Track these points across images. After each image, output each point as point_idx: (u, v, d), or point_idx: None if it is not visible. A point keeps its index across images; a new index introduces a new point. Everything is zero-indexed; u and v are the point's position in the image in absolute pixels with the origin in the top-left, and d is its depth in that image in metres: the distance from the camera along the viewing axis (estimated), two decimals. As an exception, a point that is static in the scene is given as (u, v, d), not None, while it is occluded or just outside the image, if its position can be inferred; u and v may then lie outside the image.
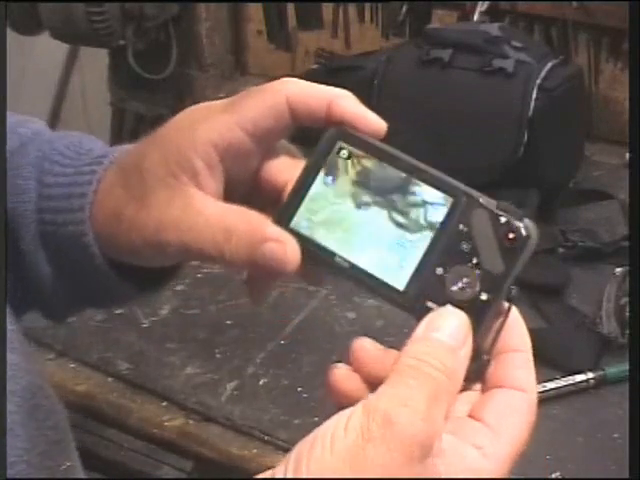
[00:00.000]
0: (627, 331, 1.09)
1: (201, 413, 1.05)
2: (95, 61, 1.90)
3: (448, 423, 0.47)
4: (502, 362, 0.50)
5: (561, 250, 1.25)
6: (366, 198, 0.52)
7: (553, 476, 0.96)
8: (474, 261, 0.49)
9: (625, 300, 1.12)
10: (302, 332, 1.16)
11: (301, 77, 1.67)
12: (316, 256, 0.53)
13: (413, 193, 0.51)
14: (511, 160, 1.30)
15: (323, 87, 0.56)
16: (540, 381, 1.04)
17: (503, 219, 0.48)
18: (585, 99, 1.48)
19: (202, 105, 0.58)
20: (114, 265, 0.61)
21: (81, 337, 1.17)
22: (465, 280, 0.49)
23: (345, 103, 0.54)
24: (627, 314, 1.10)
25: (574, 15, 1.50)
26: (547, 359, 1.08)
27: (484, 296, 0.48)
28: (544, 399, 1.03)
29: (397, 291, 0.50)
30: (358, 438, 0.44)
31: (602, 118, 1.55)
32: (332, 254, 0.52)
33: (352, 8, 1.70)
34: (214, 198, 0.56)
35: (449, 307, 0.49)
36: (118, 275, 0.61)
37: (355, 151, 0.53)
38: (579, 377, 1.06)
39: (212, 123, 0.56)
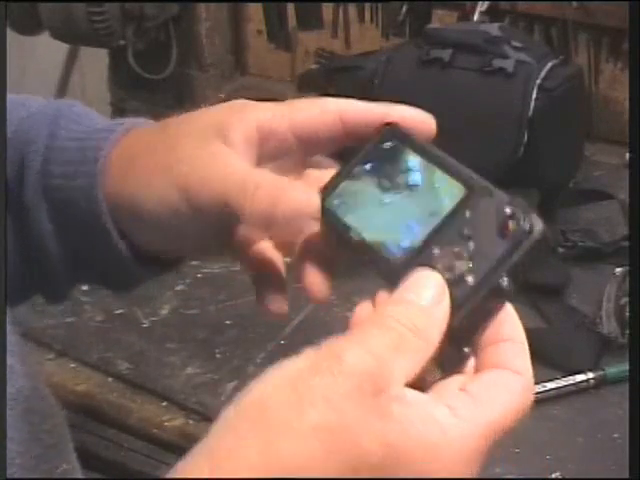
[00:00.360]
0: (627, 331, 1.09)
1: (201, 413, 1.05)
2: (95, 61, 1.90)
3: (430, 391, 0.46)
4: (496, 349, 0.48)
5: (561, 250, 1.25)
6: (388, 184, 0.54)
7: (553, 476, 0.96)
8: (470, 246, 0.49)
9: (625, 300, 1.12)
10: (302, 332, 1.16)
11: (301, 77, 1.66)
12: (335, 229, 0.55)
13: (433, 182, 0.52)
14: (511, 160, 1.30)
15: (372, 103, 0.57)
16: (540, 381, 1.04)
17: (508, 210, 0.48)
18: (585, 99, 1.48)
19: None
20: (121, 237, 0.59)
21: (81, 337, 1.17)
22: (452, 259, 0.49)
23: (398, 113, 0.56)
24: (627, 314, 1.10)
25: (574, 15, 1.50)
26: (547, 359, 1.08)
27: (470, 279, 0.48)
28: (544, 399, 1.04)
29: (394, 269, 0.51)
30: (306, 368, 0.44)
31: (602, 118, 1.55)
32: (348, 228, 0.54)
33: (352, 8, 1.70)
34: None
35: (423, 269, 0.48)
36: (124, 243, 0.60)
37: (398, 146, 0.55)
38: (579, 377, 1.06)
39: (264, 110, 0.57)
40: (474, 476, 0.44)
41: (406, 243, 0.51)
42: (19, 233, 0.61)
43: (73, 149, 0.59)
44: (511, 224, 0.48)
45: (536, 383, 1.11)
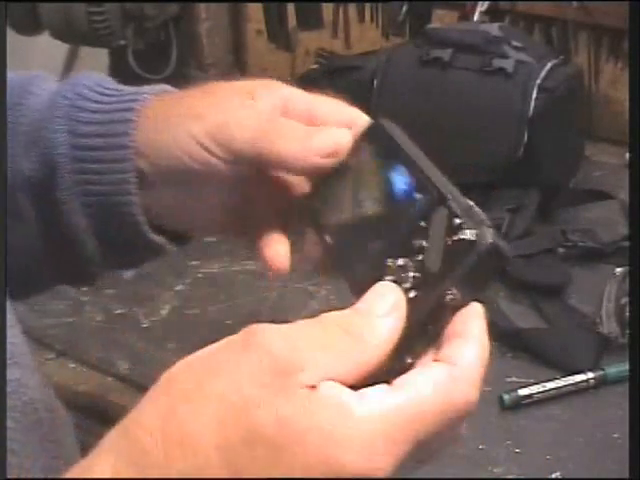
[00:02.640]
0: (627, 331, 1.09)
1: (201, 413, 1.05)
2: (95, 61, 1.89)
3: None
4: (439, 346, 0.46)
5: (561, 250, 1.25)
6: (359, 182, 0.55)
7: (553, 476, 0.96)
8: (419, 258, 0.47)
9: (625, 300, 1.12)
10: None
11: (301, 77, 1.66)
12: (314, 228, 0.58)
13: (396, 186, 0.53)
14: (511, 160, 1.30)
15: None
16: (540, 381, 1.04)
17: (458, 221, 0.46)
18: (585, 99, 1.48)
19: None
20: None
21: (81, 337, 1.17)
22: (399, 272, 0.48)
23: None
24: (627, 314, 1.10)
25: (574, 15, 1.50)
26: (547, 359, 1.08)
27: (412, 293, 0.47)
28: (544, 399, 1.03)
29: (352, 277, 0.52)
30: (220, 345, 0.44)
31: (602, 118, 1.55)
32: (322, 231, 0.57)
33: (352, 8, 1.70)
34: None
35: (384, 282, 0.48)
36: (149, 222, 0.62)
37: (379, 149, 0.56)
38: (579, 377, 1.05)
39: (287, 87, 0.63)
40: (380, 466, 0.41)
41: (364, 249, 0.51)
42: (49, 226, 0.62)
43: (97, 136, 0.61)
44: (456, 236, 0.46)
45: (536, 383, 1.11)
